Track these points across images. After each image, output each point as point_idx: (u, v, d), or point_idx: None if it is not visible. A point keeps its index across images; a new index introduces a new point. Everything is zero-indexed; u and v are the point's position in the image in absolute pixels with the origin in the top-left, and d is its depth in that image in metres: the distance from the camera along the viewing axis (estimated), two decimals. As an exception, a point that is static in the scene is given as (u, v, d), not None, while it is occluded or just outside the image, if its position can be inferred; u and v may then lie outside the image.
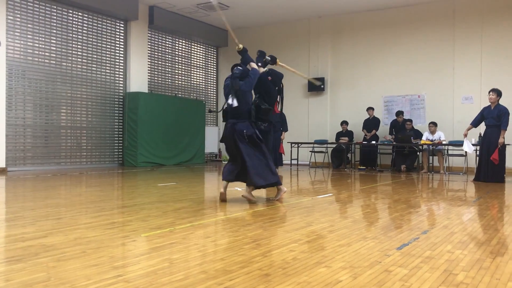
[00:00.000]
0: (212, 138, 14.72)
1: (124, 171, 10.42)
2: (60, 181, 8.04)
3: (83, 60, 11.38)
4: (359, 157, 12.33)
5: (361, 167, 11.99)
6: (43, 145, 10.65)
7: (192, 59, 14.71)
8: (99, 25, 11.73)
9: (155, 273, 2.53)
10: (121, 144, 12.30)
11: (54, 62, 10.77)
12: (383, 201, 5.94)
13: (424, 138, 11.05)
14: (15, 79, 10.06)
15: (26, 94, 10.29)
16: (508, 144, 9.07)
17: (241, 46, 5.51)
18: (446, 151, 11.08)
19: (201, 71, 15.06)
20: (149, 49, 13.04)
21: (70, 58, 11.09)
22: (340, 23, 13.28)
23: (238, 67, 5.39)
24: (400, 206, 5.30)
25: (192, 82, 14.72)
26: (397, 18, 12.42)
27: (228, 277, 2.47)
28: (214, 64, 15.55)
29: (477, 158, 9.15)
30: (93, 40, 11.59)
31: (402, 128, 11.59)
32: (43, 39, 10.51)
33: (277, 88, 5.86)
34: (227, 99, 5.33)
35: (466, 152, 9.51)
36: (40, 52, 10.48)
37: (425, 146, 10.87)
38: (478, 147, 9.21)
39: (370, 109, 12.17)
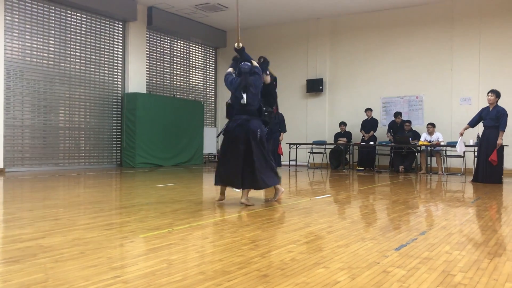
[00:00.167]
0: (211, 139, 14.72)
1: (122, 172, 10.41)
2: (58, 182, 8.03)
3: (82, 61, 11.37)
4: (357, 158, 12.34)
5: (359, 168, 12.00)
6: (41, 146, 10.63)
7: (191, 60, 14.71)
8: (97, 26, 11.72)
9: (153, 274, 2.53)
10: (119, 145, 12.29)
11: (52, 62, 10.76)
12: (381, 202, 5.95)
13: (422, 139, 11.07)
14: (13, 79, 10.05)
15: (24, 94, 10.28)
16: (506, 145, 9.10)
17: (240, 44, 5.40)
18: (444, 152, 11.10)
19: (199, 72, 15.06)
20: (148, 50, 13.04)
21: (69, 58, 11.08)
22: (339, 24, 13.30)
23: (246, 62, 5.30)
24: (398, 207, 5.31)
25: (191, 83, 14.72)
26: (396, 19, 12.44)
27: (226, 278, 2.47)
28: (213, 65, 15.55)
29: (475, 159, 9.16)
30: (92, 40, 11.58)
31: (400, 129, 11.60)
32: (41, 40, 10.50)
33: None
34: (236, 93, 5.19)
35: (458, 151, 9.48)
36: (38, 53, 10.47)
37: (423, 147, 10.89)
38: (476, 148, 9.22)
39: (368, 110, 12.18)
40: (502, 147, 8.39)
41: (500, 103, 8.49)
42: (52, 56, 10.76)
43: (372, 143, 11.86)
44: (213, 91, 15.59)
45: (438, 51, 11.86)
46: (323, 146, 12.90)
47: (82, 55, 11.36)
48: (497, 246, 3.33)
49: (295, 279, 2.45)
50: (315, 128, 13.58)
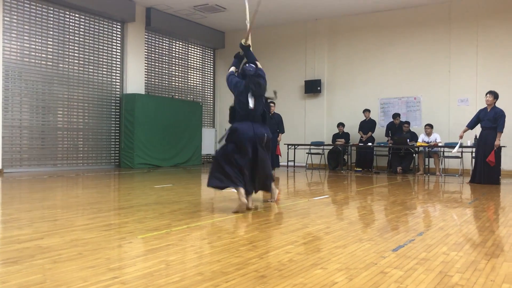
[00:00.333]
0: (209, 140, 14.72)
1: (121, 172, 10.41)
2: (56, 182, 8.02)
3: (80, 62, 11.37)
4: (355, 158, 12.36)
5: (357, 169, 12.01)
6: (40, 147, 10.62)
7: (189, 61, 14.71)
8: (96, 27, 11.72)
9: (151, 274, 2.53)
10: (118, 146, 12.29)
11: (50, 63, 10.75)
12: (379, 202, 5.96)
13: (420, 140, 11.09)
14: (11, 80, 10.04)
15: (23, 95, 10.27)
16: (504, 146, 9.12)
17: (248, 42, 5.26)
18: (442, 153, 11.12)
19: (198, 73, 15.06)
20: (146, 50, 13.04)
21: (67, 59, 11.07)
22: (337, 25, 13.32)
23: (251, 64, 5.10)
24: (396, 207, 5.32)
25: (189, 84, 14.72)
26: (394, 20, 12.47)
27: (224, 278, 2.47)
28: (211, 66, 15.55)
29: (473, 160, 9.18)
30: (90, 41, 11.58)
31: (398, 130, 11.62)
32: (40, 41, 10.49)
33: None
34: (242, 98, 4.91)
35: (455, 151, 9.49)
36: (37, 54, 10.46)
37: (421, 148, 10.90)
38: (474, 149, 9.24)
39: (366, 111, 12.20)
40: (499, 148, 8.42)
41: (498, 104, 8.52)
42: (51, 57, 10.75)
43: (370, 144, 11.87)
44: (211, 92, 15.60)
45: (436, 52, 11.88)
46: (321, 147, 12.92)
47: (80, 56, 11.36)
48: (494, 247, 3.34)
49: (293, 280, 2.46)
50: (313, 129, 13.59)
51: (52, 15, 10.72)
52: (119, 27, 12.32)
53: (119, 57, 12.33)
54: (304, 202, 5.74)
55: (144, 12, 12.58)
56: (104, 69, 11.98)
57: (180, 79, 14.34)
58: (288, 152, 12.55)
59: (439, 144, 10.78)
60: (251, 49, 5.33)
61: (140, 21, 12.50)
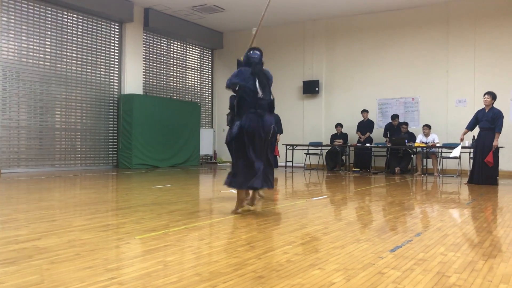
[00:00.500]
0: (207, 140, 14.72)
1: (119, 173, 10.40)
2: (54, 183, 8.01)
3: (78, 62, 11.35)
4: (353, 159, 12.37)
5: (356, 169, 12.03)
6: (37, 147, 10.60)
7: (187, 61, 14.71)
8: (94, 27, 11.70)
9: (149, 275, 2.53)
10: (116, 146, 12.27)
11: (48, 63, 10.74)
12: (377, 203, 5.96)
13: (418, 140, 11.10)
14: (9, 80, 10.03)
15: (21, 95, 10.25)
16: (502, 147, 9.13)
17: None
18: (440, 153, 11.13)
19: (196, 73, 15.06)
20: (144, 51, 13.03)
21: (65, 59, 11.06)
22: (335, 26, 13.33)
23: (255, 51, 4.89)
24: (394, 208, 5.32)
25: (187, 84, 14.72)
26: (392, 21, 12.48)
27: (222, 279, 2.47)
28: (209, 66, 15.55)
29: (471, 160, 9.19)
30: (88, 42, 11.57)
31: (397, 131, 11.63)
32: (38, 41, 10.47)
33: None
34: (249, 84, 4.63)
35: (454, 154, 9.51)
36: (35, 54, 10.44)
37: (419, 149, 10.92)
38: (471, 150, 9.26)
39: (364, 111, 12.21)
40: (497, 148, 8.43)
41: (496, 105, 8.53)
42: (49, 57, 10.74)
43: (368, 144, 11.89)
44: (209, 93, 15.59)
45: (433, 53, 11.90)
46: (320, 148, 12.93)
47: (78, 56, 11.34)
48: (491, 248, 3.35)
49: (291, 281, 2.46)
50: (311, 130, 13.60)
51: (50, 15, 10.71)
52: (117, 27, 12.31)
53: (117, 57, 12.32)
54: (302, 202, 5.74)
55: (142, 12, 12.57)
56: (102, 70, 11.97)
57: (178, 80, 14.33)
58: (286, 153, 12.56)
59: (437, 145, 10.79)
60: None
61: (138, 21, 12.49)
